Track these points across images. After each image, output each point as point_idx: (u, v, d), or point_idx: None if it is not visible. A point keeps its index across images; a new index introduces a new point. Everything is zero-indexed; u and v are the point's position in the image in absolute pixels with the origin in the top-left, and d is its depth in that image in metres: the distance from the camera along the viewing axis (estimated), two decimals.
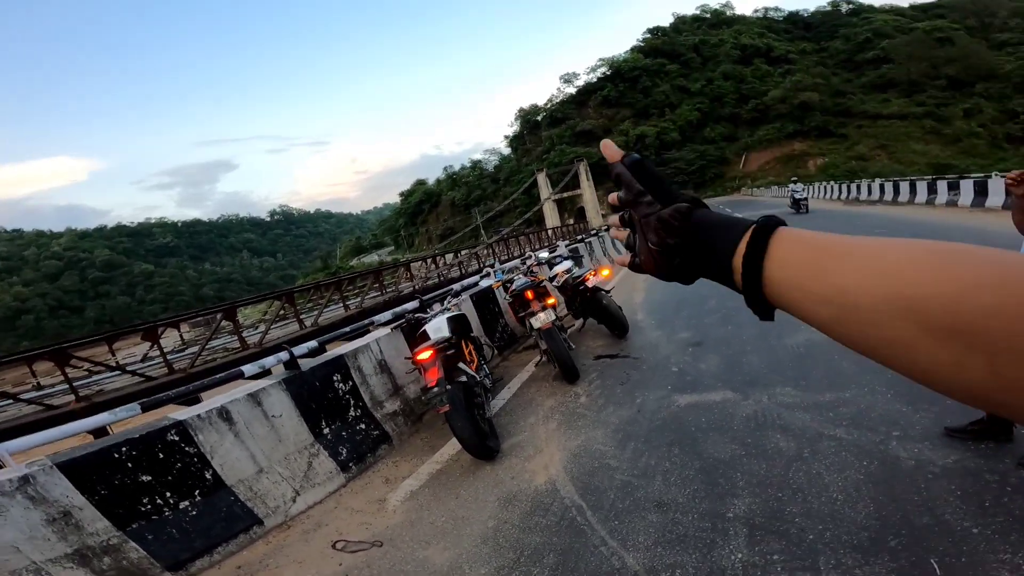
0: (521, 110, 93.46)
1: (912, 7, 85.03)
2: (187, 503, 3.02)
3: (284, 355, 3.88)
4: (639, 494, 2.77)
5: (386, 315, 5.22)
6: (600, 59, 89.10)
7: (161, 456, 3.00)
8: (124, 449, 2.90)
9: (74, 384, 10.90)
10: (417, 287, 21.75)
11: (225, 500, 3.14)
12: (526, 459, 3.46)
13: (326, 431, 3.82)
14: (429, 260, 29.80)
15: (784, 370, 4.03)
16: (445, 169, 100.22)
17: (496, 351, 6.02)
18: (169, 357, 13.53)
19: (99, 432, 3.92)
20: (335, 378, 4.07)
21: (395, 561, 2.67)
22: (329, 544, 2.91)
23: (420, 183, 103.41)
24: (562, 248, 10.20)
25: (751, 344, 4.83)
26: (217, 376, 3.59)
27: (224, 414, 3.30)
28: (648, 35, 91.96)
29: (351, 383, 4.17)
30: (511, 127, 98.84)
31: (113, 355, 16.25)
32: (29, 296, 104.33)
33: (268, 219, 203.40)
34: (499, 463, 3.49)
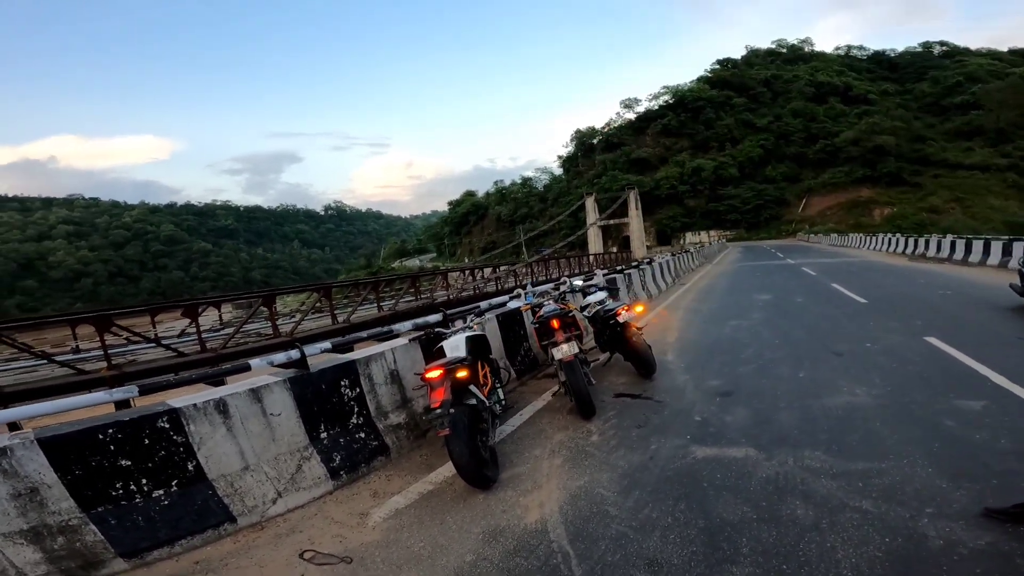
0: (578, 131, 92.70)
1: (1011, 51, 79.66)
2: (161, 492, 2.96)
3: (295, 353, 3.82)
4: (632, 548, 2.52)
5: (407, 325, 5.13)
6: (664, 87, 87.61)
7: (147, 442, 2.94)
8: (111, 431, 2.85)
9: (110, 352, 11.41)
10: (452, 296, 21.91)
11: (202, 493, 3.06)
12: (522, 493, 3.25)
13: (323, 436, 3.72)
14: (467, 272, 29.97)
15: (817, 432, 3.68)
16: (496, 183, 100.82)
17: (515, 375, 5.83)
18: (205, 336, 14.04)
19: (122, 404, 3.98)
20: (343, 383, 3.98)
21: None
22: (297, 552, 2.78)
23: (469, 194, 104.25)
24: (599, 277, 9.95)
25: (785, 400, 4.46)
26: (224, 367, 3.57)
27: (221, 406, 3.24)
28: (717, 66, 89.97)
29: (358, 390, 4.06)
30: (565, 148, 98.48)
31: (154, 327, 17.02)
32: (92, 260, 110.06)
33: (322, 213, 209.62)
34: (493, 493, 3.29)
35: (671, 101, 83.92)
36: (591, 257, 44.20)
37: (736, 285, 14.96)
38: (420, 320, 5.14)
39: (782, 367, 5.55)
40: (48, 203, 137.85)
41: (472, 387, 3.72)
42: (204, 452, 3.12)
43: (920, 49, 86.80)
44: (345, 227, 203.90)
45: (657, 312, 10.34)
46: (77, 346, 16.60)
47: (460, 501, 3.22)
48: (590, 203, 58.99)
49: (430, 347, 4.54)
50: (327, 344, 4.12)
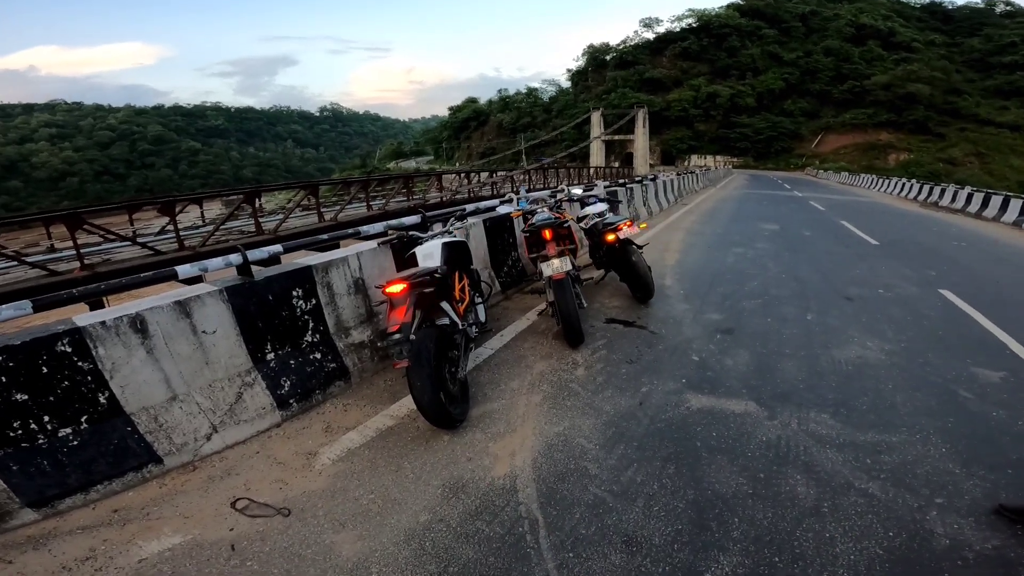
0: (591, 46, 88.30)
1: None
2: (69, 430, 2.49)
3: (236, 258, 3.23)
4: (610, 520, 2.19)
5: (377, 226, 4.49)
6: (689, 9, 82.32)
7: (45, 371, 2.42)
8: (1, 358, 2.32)
9: (85, 252, 10.76)
10: (445, 199, 20.95)
11: (119, 431, 2.60)
12: (493, 437, 2.87)
13: (270, 357, 3.22)
14: (463, 175, 28.62)
15: (824, 389, 3.30)
16: (499, 91, 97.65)
17: (500, 287, 5.35)
18: (184, 234, 13.35)
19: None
20: (295, 293, 3.37)
21: (294, 540, 2.16)
22: (230, 500, 2.41)
23: (471, 100, 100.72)
24: (600, 188, 9.20)
25: (792, 346, 4.05)
26: (141, 276, 2.99)
27: (138, 324, 2.66)
28: None
29: (314, 301, 3.48)
30: (576, 61, 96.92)
31: (132, 225, 16.21)
32: (77, 160, 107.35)
33: (317, 114, 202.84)
34: (460, 435, 2.90)
35: (694, 24, 79.82)
36: (592, 169, 42.61)
37: (741, 212, 14.26)
38: (394, 221, 4.52)
39: (788, 306, 5.11)
40: (29, 109, 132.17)
41: (445, 304, 3.19)
42: (119, 380, 2.60)
43: (982, 5, 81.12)
44: (341, 128, 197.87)
45: (657, 231, 9.75)
46: (52, 245, 15.86)
47: (421, 443, 2.85)
48: (596, 117, 57.89)
49: (404, 253, 3.97)
50: (278, 247, 3.52)
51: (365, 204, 17.92)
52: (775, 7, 78.05)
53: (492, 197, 19.51)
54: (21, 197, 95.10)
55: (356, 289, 3.79)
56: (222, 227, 14.07)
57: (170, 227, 13.72)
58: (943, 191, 20.25)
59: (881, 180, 30.17)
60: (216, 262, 3.18)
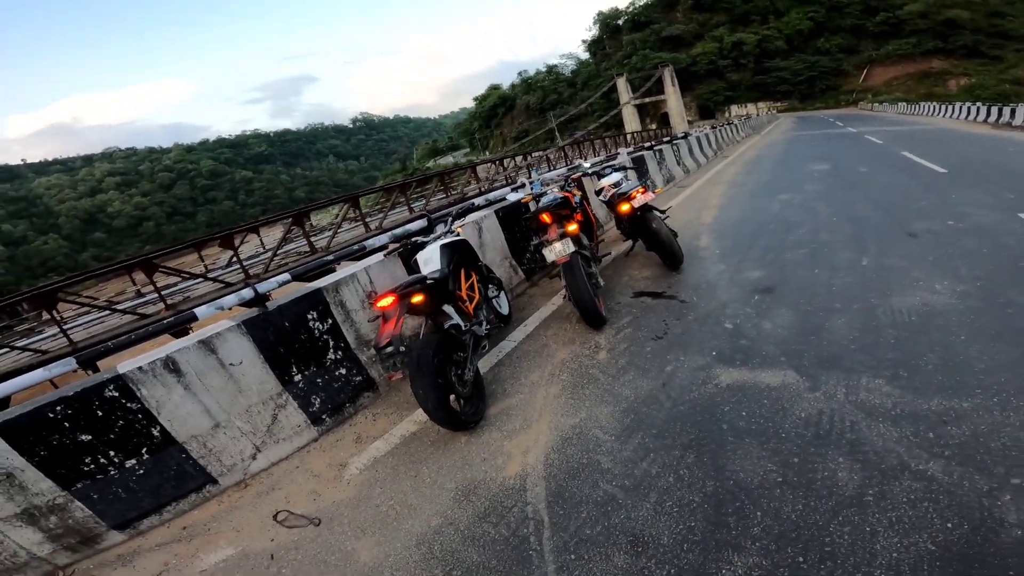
0: (600, 14, 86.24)
1: None
2: (133, 461, 2.80)
3: (247, 293, 3.36)
4: (618, 518, 2.07)
5: (383, 238, 4.52)
6: None
7: (100, 414, 2.73)
8: (59, 408, 2.65)
9: (165, 292, 11.78)
10: (483, 189, 21.01)
11: (176, 458, 2.89)
12: (508, 435, 2.81)
13: (297, 378, 3.36)
14: (497, 162, 28.51)
15: (882, 349, 2.92)
16: (520, 74, 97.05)
17: (524, 275, 5.27)
18: (247, 263, 14.30)
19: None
20: (310, 316, 3.49)
21: (322, 548, 2.32)
22: (272, 513, 2.60)
23: (494, 87, 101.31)
24: (623, 156, 8.82)
25: (842, 299, 3.65)
26: (166, 322, 3.19)
27: (170, 365, 2.90)
28: None
29: (330, 321, 3.59)
30: (589, 31, 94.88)
31: (202, 261, 17.55)
32: (148, 205, 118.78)
33: (351, 126, 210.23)
34: (477, 435, 2.87)
35: None
36: (629, 135, 41.14)
37: (788, 155, 13.22)
38: (399, 230, 4.53)
39: (841, 252, 4.64)
40: (88, 160, 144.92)
41: (448, 307, 3.15)
42: (166, 415, 2.87)
43: None
44: (376, 136, 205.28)
45: (693, 189, 9.21)
46: (138, 290, 17.44)
47: (439, 447, 2.85)
48: (622, 83, 56.53)
49: (412, 259, 3.96)
50: (286, 276, 3.63)
51: (407, 207, 18.36)
52: None
53: (504, 185, 19.37)
54: (107, 247, 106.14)
55: (370, 301, 3.84)
56: (279, 252, 14.92)
57: (235, 259, 14.74)
58: (1013, 111, 18.17)
59: (944, 106, 27.61)
60: (230, 299, 3.32)
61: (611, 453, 2.46)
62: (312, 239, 14.84)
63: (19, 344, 11.61)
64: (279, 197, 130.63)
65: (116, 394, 2.75)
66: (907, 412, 2.34)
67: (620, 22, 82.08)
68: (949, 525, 1.76)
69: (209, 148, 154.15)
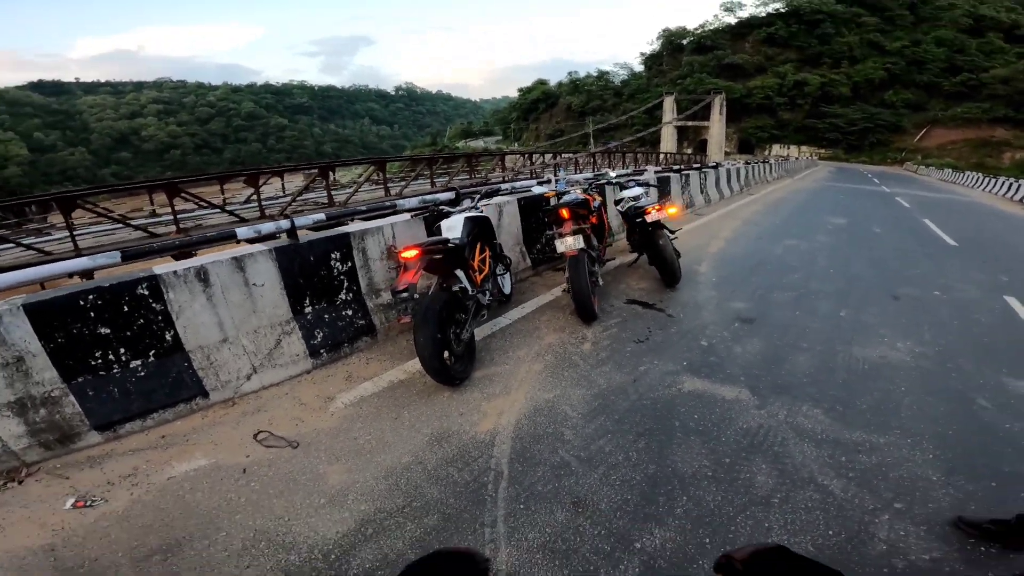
0: (666, 30, 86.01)
1: None
2: (139, 363, 2.93)
3: (285, 223, 3.68)
4: (567, 482, 2.36)
5: (412, 201, 4.84)
6: None
7: (126, 309, 2.86)
8: (91, 297, 2.74)
9: (181, 217, 12.13)
10: (506, 178, 21.30)
11: (178, 365, 3.04)
12: (487, 397, 3.12)
13: (308, 310, 3.63)
14: (526, 156, 28.74)
15: (829, 386, 3.25)
16: (570, 73, 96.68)
17: (531, 263, 5.58)
18: (265, 203, 14.63)
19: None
20: (333, 256, 3.77)
21: (295, 468, 2.51)
22: (253, 432, 2.81)
23: (541, 82, 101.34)
24: (649, 173, 9.07)
25: (811, 340, 3.96)
26: (208, 235, 3.49)
27: (202, 274, 3.12)
28: None
29: (350, 264, 3.86)
30: (650, 45, 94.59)
31: (223, 194, 17.89)
32: (180, 134, 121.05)
33: (393, 93, 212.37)
34: (460, 392, 3.18)
35: (783, 10, 75.43)
36: (662, 155, 41.16)
37: (811, 204, 13.40)
38: (428, 196, 4.84)
39: (824, 301, 4.92)
40: (139, 86, 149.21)
41: (459, 272, 3.44)
42: (183, 321, 3.05)
43: None
44: (415, 107, 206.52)
45: (709, 219, 9.47)
46: (154, 211, 17.81)
47: (423, 396, 3.15)
48: (669, 102, 56.30)
49: (434, 226, 4.27)
50: (321, 216, 3.94)
51: (430, 180, 18.66)
52: None
53: (528, 178, 19.64)
54: (130, 167, 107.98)
55: (390, 255, 4.10)
56: (299, 198, 15.26)
57: (255, 197, 15.13)
58: None
59: (987, 179, 27.02)
60: (269, 226, 3.64)
61: (575, 428, 2.77)
62: (332, 193, 15.19)
63: (25, 242, 11.88)
64: (307, 148, 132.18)
65: (146, 293, 2.91)
66: (830, 438, 2.68)
67: (684, 42, 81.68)
68: (830, 532, 2.08)
69: (254, 92, 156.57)
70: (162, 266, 3.16)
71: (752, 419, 2.84)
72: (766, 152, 56.96)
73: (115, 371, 2.86)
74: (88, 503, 2.33)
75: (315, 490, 2.35)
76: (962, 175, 32.63)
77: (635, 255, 5.67)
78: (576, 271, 4.01)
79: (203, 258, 3.28)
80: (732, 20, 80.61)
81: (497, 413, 2.94)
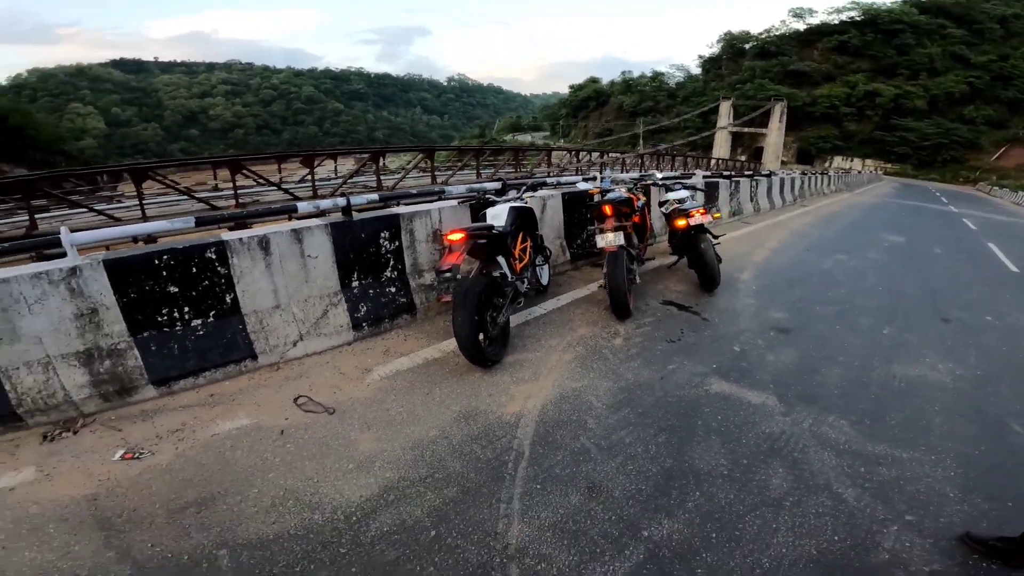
0: (728, 33, 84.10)
1: None
2: (199, 321, 3.14)
3: (342, 201, 3.94)
4: (584, 468, 2.46)
5: (460, 188, 5.03)
6: (853, 2, 73.68)
7: (194, 271, 3.11)
8: (165, 257, 2.99)
9: (240, 192, 12.86)
10: (551, 173, 21.35)
11: (234, 327, 3.26)
12: (516, 381, 3.25)
13: (355, 284, 3.83)
14: (573, 152, 28.62)
15: (860, 400, 3.20)
16: (623, 73, 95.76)
17: (570, 257, 5.69)
18: (318, 183, 15.27)
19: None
20: (383, 235, 3.96)
21: (329, 433, 2.67)
22: (293, 397, 2.99)
23: (593, 80, 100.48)
24: (697, 177, 8.93)
25: (848, 354, 3.88)
26: (271, 207, 3.76)
27: (264, 243, 3.35)
28: None
29: (397, 243, 4.05)
30: (710, 48, 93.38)
31: (280, 173, 18.78)
32: (245, 115, 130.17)
33: (445, 83, 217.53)
34: (490, 374, 3.32)
35: (858, 18, 72.20)
36: (714, 160, 40.04)
37: (868, 219, 12.81)
38: (476, 185, 5.02)
39: (868, 318, 4.78)
40: (211, 67, 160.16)
41: (500, 258, 3.58)
42: (242, 286, 3.29)
43: None
44: (465, 98, 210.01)
45: (755, 228, 9.24)
46: (216, 185, 18.86)
47: (455, 375, 3.30)
48: (725, 107, 54.91)
49: (479, 213, 4.41)
50: (375, 196, 4.18)
51: (476, 171, 18.95)
52: (966, 6, 67.24)
53: (573, 174, 19.55)
54: (196, 143, 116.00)
55: (435, 238, 4.29)
56: (349, 180, 15.84)
57: (308, 177, 15.80)
58: None
59: None
60: (327, 203, 3.90)
61: (598, 417, 2.86)
62: (381, 178, 15.68)
63: (97, 207, 12.85)
64: (359, 133, 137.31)
65: (213, 256, 3.16)
66: (852, 449, 2.67)
67: (747, 46, 79.51)
68: (836, 538, 2.10)
69: (315, 76, 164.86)
70: (229, 233, 3.43)
71: (776, 425, 2.85)
72: (826, 163, 54.56)
73: (178, 328, 3.10)
74: (136, 455, 2.49)
75: (345, 455, 2.51)
76: None
77: (675, 258, 5.66)
78: (614, 267, 4.08)
79: (266, 228, 3.55)
80: (800, 27, 77.70)
81: (524, 397, 3.06)
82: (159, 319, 3.04)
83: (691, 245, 5.03)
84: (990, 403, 3.30)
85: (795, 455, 2.60)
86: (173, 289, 3.07)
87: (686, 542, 2.05)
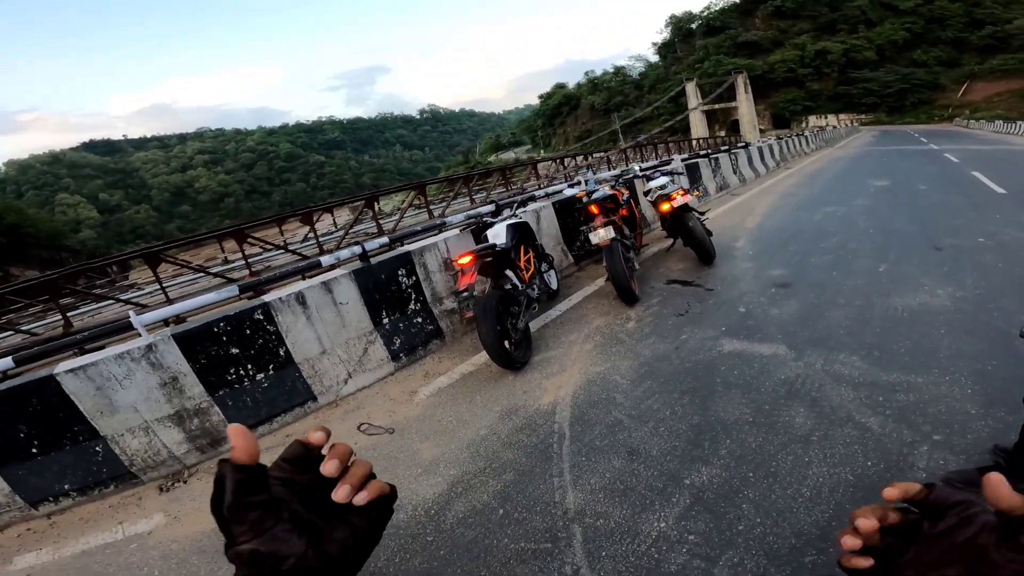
0: (673, 16, 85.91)
1: None
2: (262, 375, 3.56)
3: (357, 249, 4.31)
4: (621, 436, 2.73)
5: (459, 217, 5.41)
6: None
7: (248, 332, 3.52)
8: (222, 324, 3.41)
9: (249, 260, 13.38)
10: (542, 185, 21.82)
11: (291, 375, 3.67)
12: (546, 376, 3.55)
13: (385, 321, 4.20)
14: (557, 161, 29.16)
15: (865, 334, 3.44)
16: (587, 73, 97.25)
17: (573, 260, 6.01)
18: (321, 239, 15.80)
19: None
20: (400, 272, 4.33)
21: (395, 449, 3.01)
22: (356, 425, 3.35)
23: (560, 86, 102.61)
24: (676, 162, 9.28)
25: (848, 295, 4.14)
26: (298, 265, 4.15)
27: (300, 298, 3.76)
28: None
29: (415, 278, 4.42)
30: (660, 34, 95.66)
31: (282, 235, 19.42)
32: (230, 183, 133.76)
33: (418, 116, 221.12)
34: (522, 375, 3.63)
35: None
36: (694, 141, 40.47)
37: (852, 170, 13.06)
38: (472, 212, 5.40)
39: (863, 259, 5.05)
40: (182, 139, 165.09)
41: (509, 272, 3.93)
42: (291, 339, 3.68)
43: None
44: (441, 127, 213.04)
45: (743, 198, 9.53)
46: (226, 258, 19.51)
47: (491, 381, 3.62)
48: (691, 88, 55.94)
49: (481, 235, 4.79)
50: (385, 240, 4.55)
51: (468, 198, 19.46)
52: None
53: (562, 182, 19.93)
54: (191, 219, 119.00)
55: (446, 267, 4.68)
56: (350, 231, 16.37)
57: (311, 234, 16.33)
58: None
59: None
60: (345, 252, 4.28)
61: (625, 392, 3.15)
62: (380, 222, 16.19)
63: (123, 298, 13.40)
64: (347, 182, 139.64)
65: (261, 318, 3.57)
66: (867, 381, 2.88)
67: (693, 26, 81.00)
68: (869, 463, 2.26)
69: (288, 132, 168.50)
70: (270, 295, 3.83)
71: (790, 370, 3.10)
72: (802, 125, 55.48)
73: (246, 384, 3.52)
74: None
75: (412, 463, 2.84)
76: (1014, 124, 30.94)
77: (671, 240, 5.98)
78: (612, 258, 4.40)
79: (299, 285, 3.94)
80: None
81: (556, 388, 3.37)
82: (228, 378, 3.47)
83: (681, 225, 5.35)
84: (994, 318, 3.45)
85: (813, 394, 2.83)
86: (235, 351, 3.49)
87: (726, 484, 2.27)
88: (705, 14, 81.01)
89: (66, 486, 3.10)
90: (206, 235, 14.16)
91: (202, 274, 13.63)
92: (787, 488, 2.18)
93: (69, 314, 10.88)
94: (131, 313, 3.21)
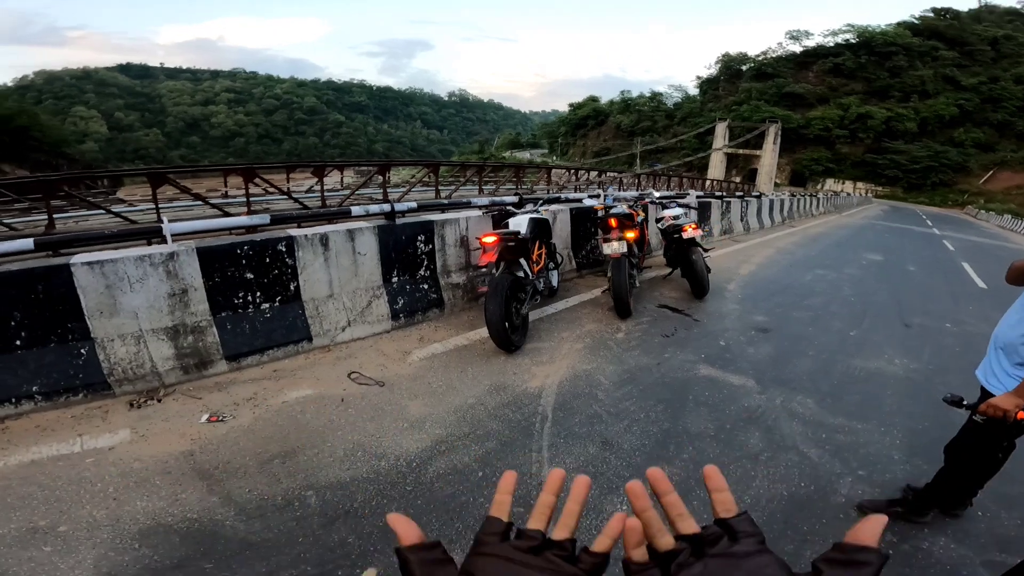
0: (726, 55, 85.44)
1: None
2: (267, 305, 3.67)
3: (387, 207, 4.56)
4: (598, 427, 3.03)
5: (484, 200, 5.68)
6: (848, 24, 76.01)
7: (267, 261, 3.66)
8: (246, 247, 3.53)
9: (251, 200, 13.41)
10: (551, 191, 22.08)
11: (294, 311, 3.82)
12: (536, 363, 3.84)
13: (394, 280, 4.43)
14: (572, 171, 29.49)
15: (823, 383, 3.83)
16: (622, 92, 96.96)
17: (575, 265, 6.32)
18: (327, 194, 15.88)
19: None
20: (419, 238, 4.56)
21: (383, 400, 3.19)
22: (347, 373, 3.53)
23: (592, 99, 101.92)
24: (691, 197, 9.64)
25: (817, 349, 4.52)
26: (332, 209, 4.37)
27: (324, 240, 3.93)
28: (930, 13, 75.71)
29: (431, 247, 4.65)
30: (707, 69, 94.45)
31: (288, 182, 19.39)
32: (246, 124, 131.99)
33: (446, 98, 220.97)
34: (513, 357, 3.90)
35: (853, 40, 73.68)
36: (709, 181, 41.12)
37: (852, 240, 13.56)
38: (497, 198, 5.67)
39: (839, 322, 5.43)
40: (215, 75, 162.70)
41: (523, 261, 4.20)
42: (304, 276, 3.84)
43: None
44: (465, 113, 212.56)
45: (744, 246, 9.92)
46: (226, 192, 19.41)
47: (484, 358, 3.89)
48: (720, 128, 56.05)
49: (500, 222, 5.06)
50: (414, 204, 4.81)
51: (478, 187, 19.64)
52: (959, 29, 69.00)
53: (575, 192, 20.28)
54: (197, 151, 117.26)
55: (462, 243, 4.93)
56: (356, 192, 16.47)
57: (317, 187, 16.40)
58: None
59: None
60: (375, 208, 4.52)
61: (606, 391, 3.46)
62: (387, 191, 16.32)
63: (114, 209, 13.22)
64: (359, 146, 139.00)
65: (283, 249, 3.72)
66: (816, 420, 3.26)
67: (744, 68, 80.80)
68: (802, 484, 2.65)
69: (317, 87, 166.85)
70: (296, 230, 4.00)
71: (753, 400, 3.45)
72: (818, 186, 55.46)
73: (250, 310, 3.64)
74: (220, 418, 2.86)
75: (399, 417, 3.04)
76: (1020, 222, 31.44)
77: (669, 269, 6.30)
78: (618, 271, 4.71)
79: (326, 227, 4.14)
80: (797, 49, 79.30)
81: (544, 375, 3.65)
82: (235, 301, 3.57)
83: (684, 257, 5.67)
84: (938, 389, 3.81)
85: (768, 423, 3.19)
86: (249, 276, 3.60)
87: (683, 483, 2.57)
88: (760, 58, 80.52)
89: (34, 388, 2.89)
90: (217, 167, 14.16)
91: (199, 203, 13.63)
92: (732, 493, 2.49)
93: (55, 216, 10.84)
94: (164, 219, 3.38)
